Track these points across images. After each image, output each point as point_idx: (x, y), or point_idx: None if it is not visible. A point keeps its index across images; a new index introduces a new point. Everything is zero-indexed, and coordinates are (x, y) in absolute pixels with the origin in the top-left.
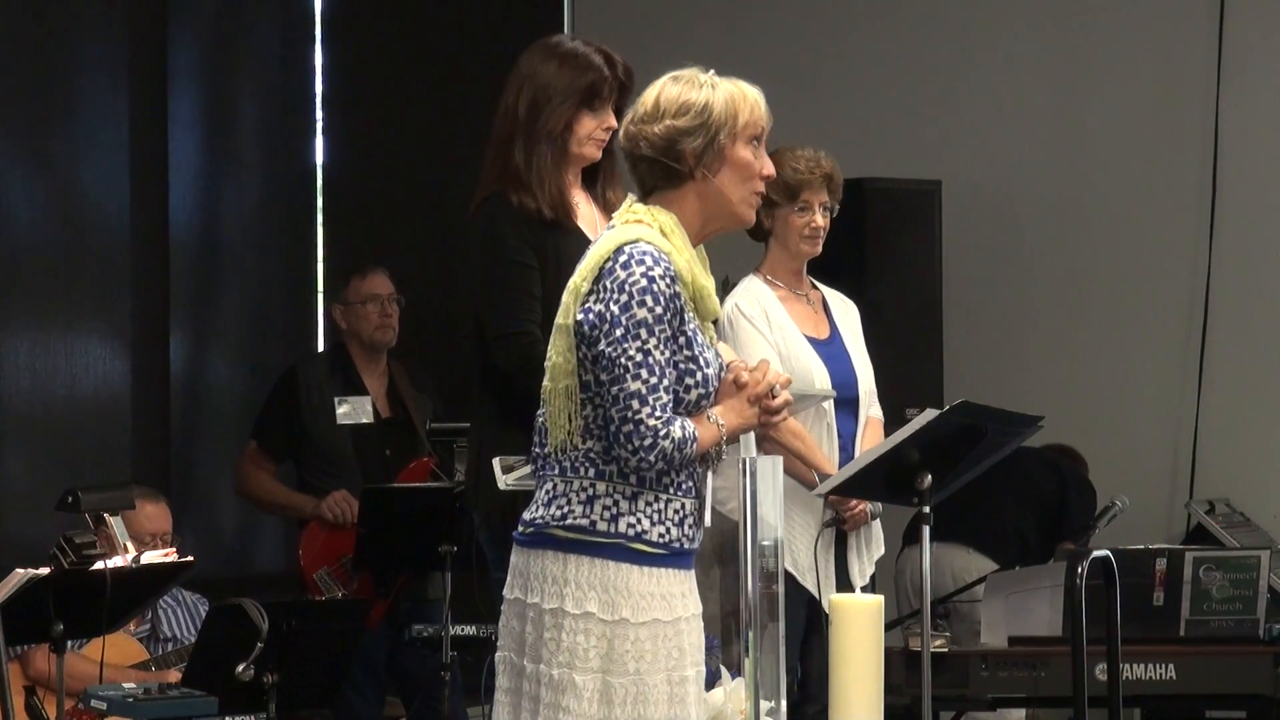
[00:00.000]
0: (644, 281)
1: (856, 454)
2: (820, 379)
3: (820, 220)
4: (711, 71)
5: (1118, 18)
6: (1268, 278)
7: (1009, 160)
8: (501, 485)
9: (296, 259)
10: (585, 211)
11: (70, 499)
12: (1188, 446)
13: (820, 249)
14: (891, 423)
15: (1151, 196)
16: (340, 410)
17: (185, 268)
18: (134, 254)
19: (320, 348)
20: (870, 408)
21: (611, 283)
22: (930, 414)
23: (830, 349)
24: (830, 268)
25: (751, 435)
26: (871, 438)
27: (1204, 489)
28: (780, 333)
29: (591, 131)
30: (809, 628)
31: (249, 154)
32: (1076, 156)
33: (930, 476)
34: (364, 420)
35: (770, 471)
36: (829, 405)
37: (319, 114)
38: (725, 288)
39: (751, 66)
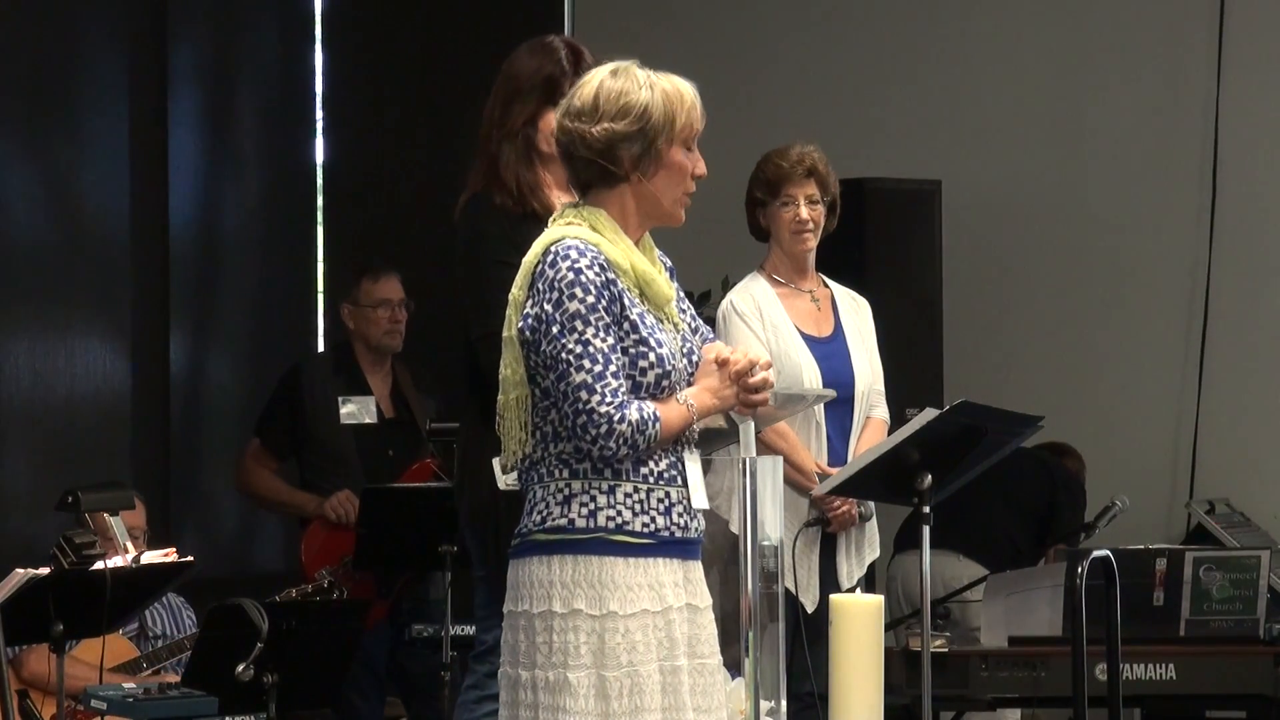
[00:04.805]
0: (570, 275)
1: (850, 455)
2: (811, 377)
3: (805, 213)
4: (647, 70)
5: (1118, 18)
6: (1268, 278)
7: (1009, 160)
8: (502, 485)
9: (296, 259)
10: None
11: (70, 499)
12: (1188, 446)
13: (812, 242)
14: (892, 423)
15: (1151, 196)
16: (344, 410)
17: (185, 268)
18: (134, 254)
19: (320, 348)
20: (874, 409)
21: (543, 284)
22: (930, 414)
23: (829, 348)
24: (830, 268)
25: (751, 434)
26: (869, 439)
27: (1204, 489)
28: (773, 330)
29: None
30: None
31: (249, 154)
32: (1076, 156)
33: (930, 477)
34: (367, 420)
35: (770, 472)
36: (818, 405)
37: (319, 114)
38: (725, 287)
39: (751, 67)
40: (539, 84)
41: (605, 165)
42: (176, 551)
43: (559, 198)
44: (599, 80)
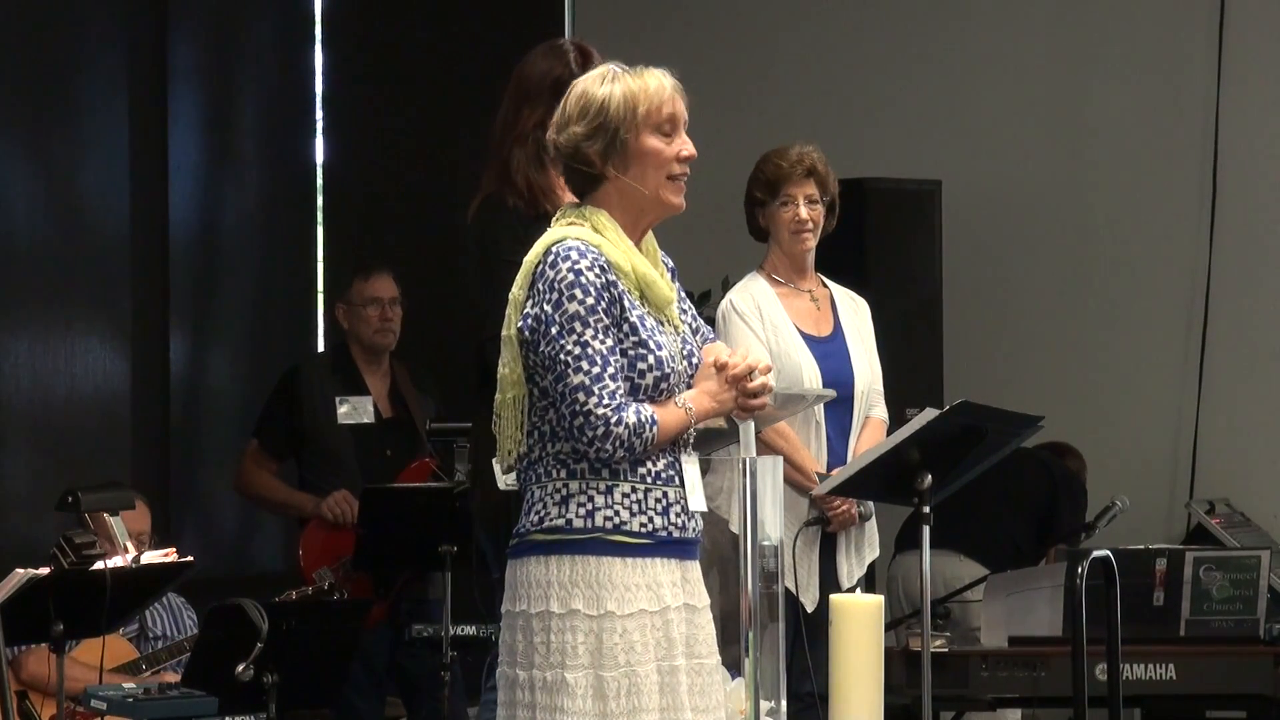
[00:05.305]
0: (571, 276)
1: (850, 454)
2: (810, 377)
3: (804, 213)
4: (622, 69)
5: (1118, 17)
6: (1268, 278)
7: (1009, 160)
8: (501, 485)
9: (296, 259)
10: None
11: (70, 499)
12: (1188, 446)
13: (811, 242)
14: (892, 423)
15: (1151, 196)
16: (342, 410)
17: (185, 268)
18: (134, 254)
19: (320, 348)
20: (873, 408)
21: (543, 284)
22: (930, 414)
23: (828, 347)
24: (830, 268)
25: (751, 434)
26: (869, 438)
27: (1204, 489)
28: (773, 329)
29: None
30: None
31: (249, 154)
32: (1076, 156)
33: (930, 476)
34: (365, 420)
35: (770, 472)
36: (818, 405)
37: (319, 114)
38: (725, 287)
39: (751, 67)
40: (548, 87)
41: (579, 169)
42: (176, 551)
43: (571, 200)
44: (573, 89)
